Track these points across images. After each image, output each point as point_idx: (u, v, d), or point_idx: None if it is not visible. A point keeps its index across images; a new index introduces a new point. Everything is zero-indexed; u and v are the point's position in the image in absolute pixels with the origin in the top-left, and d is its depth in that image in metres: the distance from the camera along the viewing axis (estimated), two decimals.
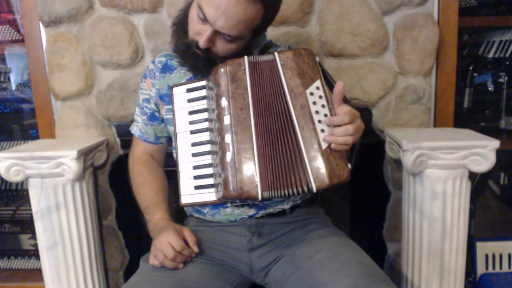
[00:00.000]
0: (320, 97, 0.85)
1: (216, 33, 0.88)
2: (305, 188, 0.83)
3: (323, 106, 0.85)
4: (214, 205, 1.02)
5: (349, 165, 0.85)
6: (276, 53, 0.87)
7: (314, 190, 0.82)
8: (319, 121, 0.84)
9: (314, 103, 0.85)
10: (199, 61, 0.93)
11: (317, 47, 1.38)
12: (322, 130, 0.84)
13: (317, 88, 0.86)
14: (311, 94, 0.85)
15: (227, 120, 0.84)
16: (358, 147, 0.89)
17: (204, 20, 0.87)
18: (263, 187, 0.82)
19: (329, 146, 0.83)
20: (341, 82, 0.85)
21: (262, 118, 0.86)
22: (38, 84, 1.46)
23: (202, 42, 0.89)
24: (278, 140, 0.86)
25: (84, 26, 1.39)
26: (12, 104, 1.79)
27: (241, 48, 0.94)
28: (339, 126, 0.83)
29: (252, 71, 0.88)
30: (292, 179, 0.84)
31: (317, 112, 0.84)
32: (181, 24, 0.96)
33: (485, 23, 1.58)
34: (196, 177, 0.93)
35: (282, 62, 0.86)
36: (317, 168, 0.82)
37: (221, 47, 0.91)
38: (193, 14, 0.89)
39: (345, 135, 0.82)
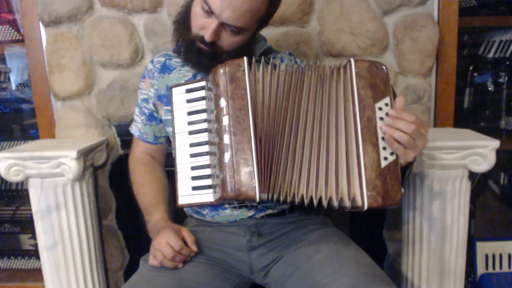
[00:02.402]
0: (387, 114, 0.82)
1: (221, 26, 0.88)
2: (348, 204, 0.79)
3: None
4: (213, 206, 1.02)
5: (402, 189, 0.82)
6: (352, 60, 0.83)
7: (365, 207, 0.78)
8: (383, 138, 0.81)
9: (381, 118, 0.81)
10: (204, 56, 0.92)
11: (317, 47, 1.38)
12: (384, 148, 0.81)
13: (386, 104, 0.82)
14: (380, 109, 0.82)
15: (225, 120, 0.83)
16: (410, 171, 0.84)
17: (209, 12, 0.86)
18: (261, 189, 0.81)
19: (387, 165, 0.80)
20: (402, 98, 0.82)
21: (273, 121, 0.84)
22: (38, 84, 1.46)
23: (208, 35, 0.88)
24: (313, 146, 0.83)
25: (84, 26, 1.39)
26: (12, 104, 1.79)
27: (245, 41, 0.93)
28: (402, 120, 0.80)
29: (257, 72, 0.85)
30: (328, 189, 0.81)
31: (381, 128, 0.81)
32: (183, 21, 0.95)
33: (485, 23, 1.58)
34: (193, 178, 0.92)
35: (356, 70, 0.83)
36: (373, 186, 0.78)
37: (227, 40, 0.90)
38: (197, 8, 0.89)
39: (404, 130, 0.79)
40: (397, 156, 0.81)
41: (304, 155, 0.83)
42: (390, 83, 0.85)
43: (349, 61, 0.84)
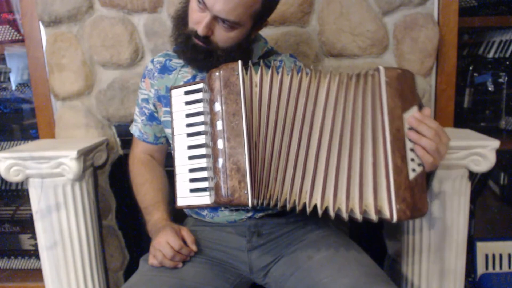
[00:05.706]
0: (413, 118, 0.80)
1: (215, 20, 0.88)
2: (373, 216, 0.77)
3: None
4: (211, 207, 1.02)
5: (428, 200, 0.80)
6: (382, 68, 0.79)
7: (394, 219, 0.76)
8: (411, 150, 0.78)
9: (410, 129, 0.79)
10: (198, 52, 0.92)
11: (317, 47, 1.38)
12: (412, 159, 0.78)
13: None
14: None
15: (219, 125, 0.82)
16: (432, 179, 0.83)
17: (204, 7, 0.87)
18: (254, 195, 0.80)
19: (415, 177, 0.78)
20: (428, 109, 0.80)
21: (273, 126, 0.82)
22: (38, 84, 1.46)
23: (201, 29, 0.88)
24: (331, 156, 0.80)
25: (84, 26, 1.39)
26: (12, 104, 1.79)
27: (241, 39, 0.93)
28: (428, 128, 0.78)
29: (255, 75, 0.84)
30: (349, 201, 0.79)
31: (410, 139, 0.79)
32: (181, 17, 0.96)
33: (485, 23, 1.58)
34: (191, 180, 0.92)
35: (387, 79, 0.78)
36: (402, 198, 0.76)
37: (221, 35, 0.90)
38: (193, 3, 0.89)
39: (424, 134, 0.77)
40: (423, 167, 0.80)
41: (319, 164, 0.81)
42: (416, 91, 0.82)
43: (378, 70, 0.79)
